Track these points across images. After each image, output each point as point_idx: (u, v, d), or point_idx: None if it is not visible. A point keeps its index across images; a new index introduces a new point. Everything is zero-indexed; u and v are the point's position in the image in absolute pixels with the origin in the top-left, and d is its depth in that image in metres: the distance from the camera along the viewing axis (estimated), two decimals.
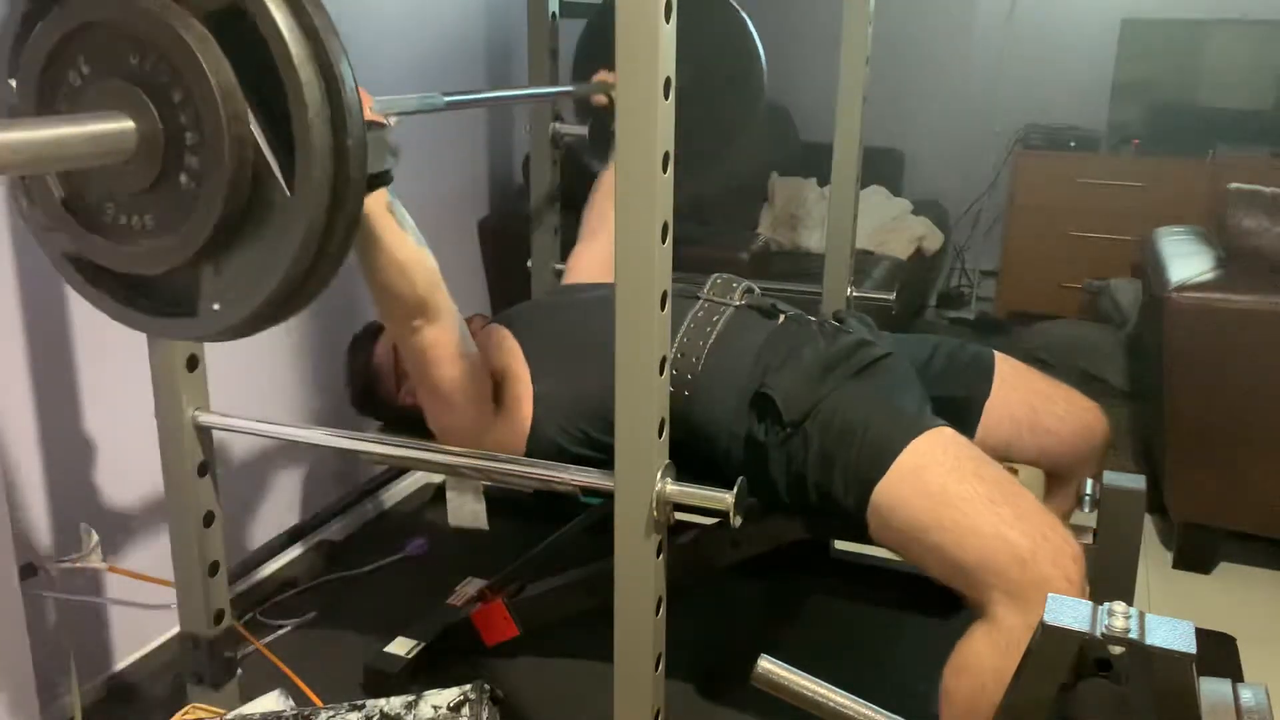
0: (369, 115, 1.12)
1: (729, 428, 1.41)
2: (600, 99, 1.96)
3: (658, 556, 1.07)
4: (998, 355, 1.61)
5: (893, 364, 1.49)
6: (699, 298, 1.52)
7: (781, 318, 1.53)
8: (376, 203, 1.20)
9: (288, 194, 0.86)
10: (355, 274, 1.27)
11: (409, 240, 1.27)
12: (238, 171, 0.85)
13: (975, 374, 1.58)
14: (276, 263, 0.88)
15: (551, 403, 1.46)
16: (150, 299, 0.97)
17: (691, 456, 1.39)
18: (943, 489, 1.25)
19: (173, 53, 0.84)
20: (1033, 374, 1.62)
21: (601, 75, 1.97)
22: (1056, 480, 1.60)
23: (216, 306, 0.92)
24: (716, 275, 1.57)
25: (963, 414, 1.52)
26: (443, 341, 1.35)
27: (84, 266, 0.98)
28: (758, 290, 1.56)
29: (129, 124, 0.86)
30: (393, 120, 1.28)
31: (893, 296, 2.05)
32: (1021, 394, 1.57)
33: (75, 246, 0.97)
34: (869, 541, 1.38)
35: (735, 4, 2.00)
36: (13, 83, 0.95)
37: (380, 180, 1.04)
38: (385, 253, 1.25)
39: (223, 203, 0.86)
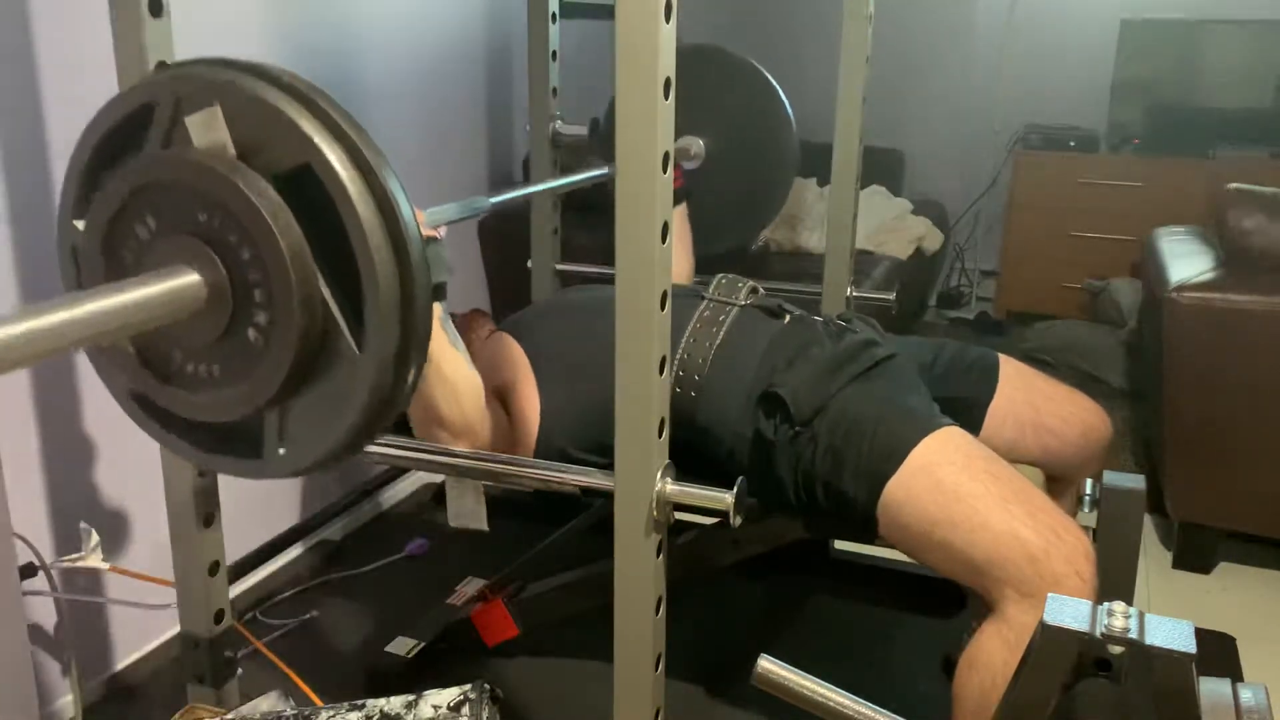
0: (424, 231, 1.12)
1: (736, 427, 1.41)
2: None
3: (658, 556, 1.07)
4: (1001, 357, 1.61)
5: (899, 364, 1.49)
6: (704, 297, 1.52)
7: (787, 317, 1.53)
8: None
9: (356, 352, 0.88)
10: None
11: (461, 360, 1.27)
12: (307, 329, 0.86)
13: (979, 375, 1.58)
14: (343, 415, 0.89)
15: (558, 415, 1.46)
16: (215, 439, 0.98)
17: (697, 457, 1.39)
18: (955, 485, 1.25)
19: (243, 214, 0.84)
20: (1036, 375, 1.62)
21: None
22: (1057, 481, 1.60)
23: (282, 451, 0.93)
24: (721, 275, 1.57)
25: (967, 415, 1.52)
26: (462, 444, 1.35)
27: (147, 404, 0.99)
28: (762, 290, 1.57)
29: (197, 279, 0.87)
30: (442, 231, 1.28)
31: (892, 296, 2.05)
32: (1025, 395, 1.57)
33: (145, 391, 0.98)
34: (874, 541, 1.38)
35: (772, 80, 2.05)
36: (78, 224, 0.96)
37: (436, 295, 1.06)
38: (435, 369, 1.25)
39: (291, 359, 0.87)
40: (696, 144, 2.02)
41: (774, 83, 2.02)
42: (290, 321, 0.85)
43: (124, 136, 0.93)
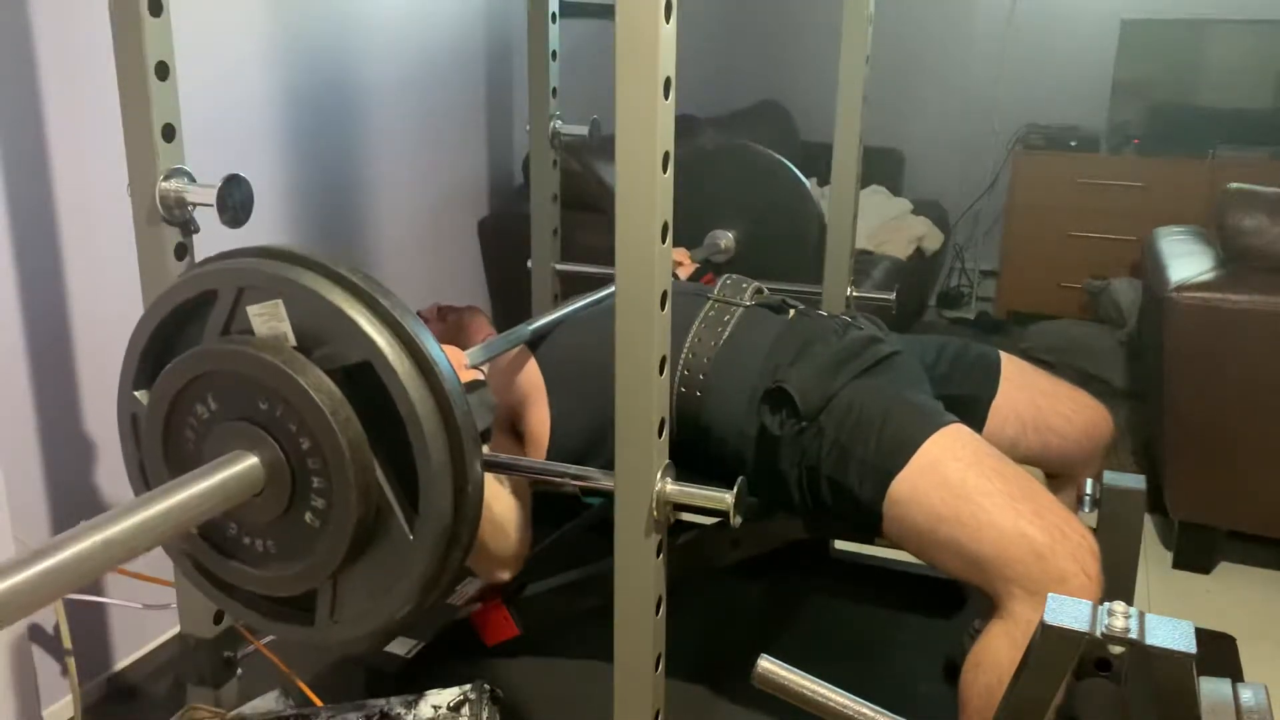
0: (465, 376, 1.12)
1: (741, 425, 1.41)
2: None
3: (658, 556, 1.07)
4: (1003, 355, 1.61)
5: (904, 361, 1.49)
6: (709, 298, 1.52)
7: (791, 312, 1.53)
8: None
9: (409, 536, 0.90)
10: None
11: (505, 495, 1.27)
12: (364, 515, 0.89)
13: (981, 373, 1.58)
14: (395, 592, 0.92)
15: (568, 428, 1.45)
16: (271, 603, 1.01)
17: (701, 456, 1.39)
18: (962, 483, 1.25)
19: (301, 407, 0.87)
20: (1038, 374, 1.62)
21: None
22: (1058, 480, 1.60)
23: (334, 622, 0.96)
24: (727, 276, 1.57)
25: (969, 413, 1.52)
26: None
27: (205, 570, 1.02)
28: (766, 291, 1.56)
29: (256, 463, 0.89)
30: (485, 370, 1.29)
31: (893, 296, 2.05)
32: (1027, 393, 1.57)
33: (198, 555, 1.00)
34: (873, 539, 1.38)
35: (797, 171, 2.10)
36: (139, 394, 0.99)
37: (483, 439, 1.06)
38: (487, 510, 1.24)
39: (348, 542, 0.89)
40: (727, 237, 2.05)
41: (800, 176, 2.09)
42: (348, 507, 0.88)
43: (186, 317, 0.97)
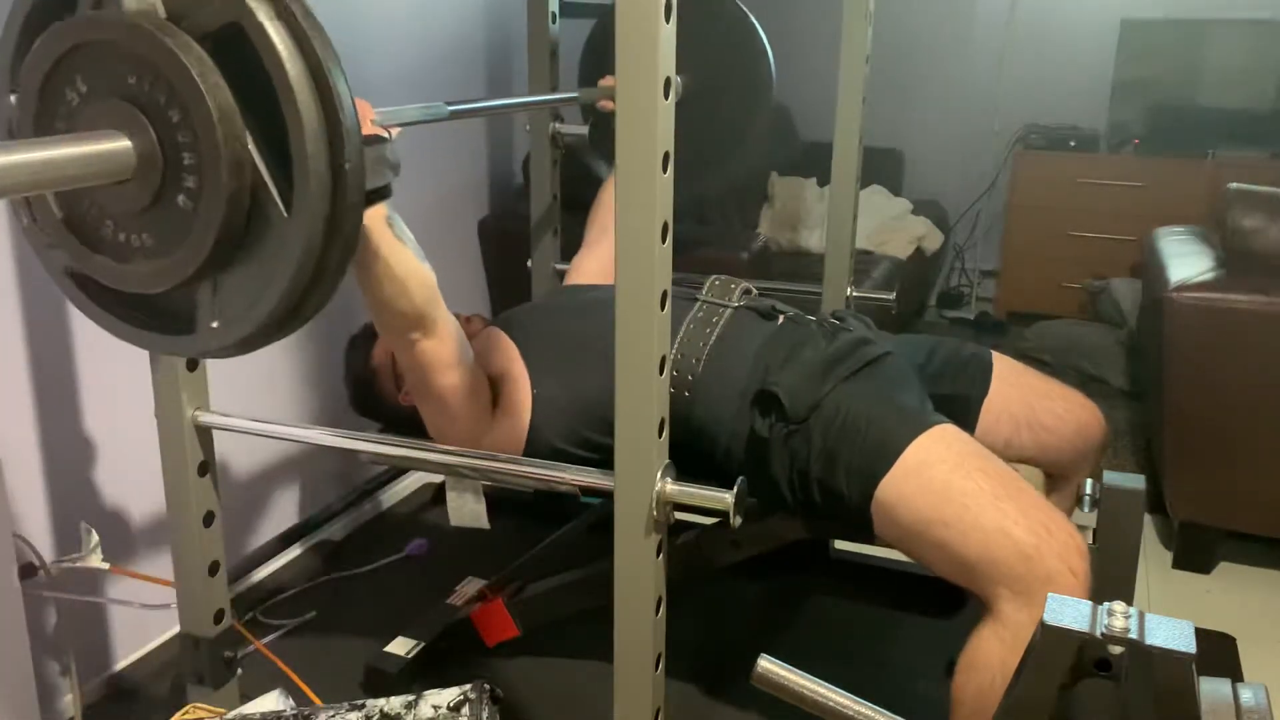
0: (369, 129, 1.11)
1: (731, 427, 1.41)
2: (606, 104, 1.95)
3: (658, 556, 1.07)
4: (994, 354, 1.62)
5: (893, 362, 1.49)
6: (697, 299, 1.52)
7: (780, 318, 1.54)
8: (375, 217, 1.20)
9: (285, 215, 0.86)
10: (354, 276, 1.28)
11: (408, 254, 1.26)
12: (236, 193, 0.85)
13: (974, 372, 1.58)
14: (274, 282, 0.88)
15: (550, 406, 1.46)
16: (149, 315, 0.98)
17: (692, 457, 1.39)
18: (946, 485, 1.25)
19: (171, 75, 0.83)
20: (1030, 372, 1.63)
21: (607, 80, 1.96)
22: (1055, 479, 1.61)
23: (215, 324, 0.92)
24: (714, 277, 1.57)
25: (962, 412, 1.53)
26: (441, 352, 1.35)
27: (84, 283, 0.98)
28: (755, 291, 1.57)
29: (126, 144, 0.86)
30: (395, 132, 1.28)
31: (893, 296, 2.05)
32: (1020, 392, 1.57)
33: (76, 264, 0.97)
34: (871, 540, 1.38)
35: (744, 6, 1.99)
36: (12, 98, 0.95)
37: (379, 195, 1.04)
38: (383, 267, 1.24)
39: (220, 224, 0.85)
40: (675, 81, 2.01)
41: (751, 17, 1.99)
42: (218, 183, 0.84)
43: (55, 6, 0.92)
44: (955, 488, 1.25)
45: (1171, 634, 0.73)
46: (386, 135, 1.20)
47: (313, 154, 0.84)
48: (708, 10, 1.96)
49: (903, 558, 1.36)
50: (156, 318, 0.97)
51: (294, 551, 2.15)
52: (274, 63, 0.83)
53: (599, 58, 2.10)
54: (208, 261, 0.88)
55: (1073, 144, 3.79)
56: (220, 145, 0.83)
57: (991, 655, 1.20)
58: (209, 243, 0.87)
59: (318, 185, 0.85)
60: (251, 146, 0.85)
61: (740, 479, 1.06)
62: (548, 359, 1.49)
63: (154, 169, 0.87)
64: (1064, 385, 1.62)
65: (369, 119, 1.22)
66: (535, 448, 1.46)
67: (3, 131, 0.97)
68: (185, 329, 0.95)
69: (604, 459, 1.09)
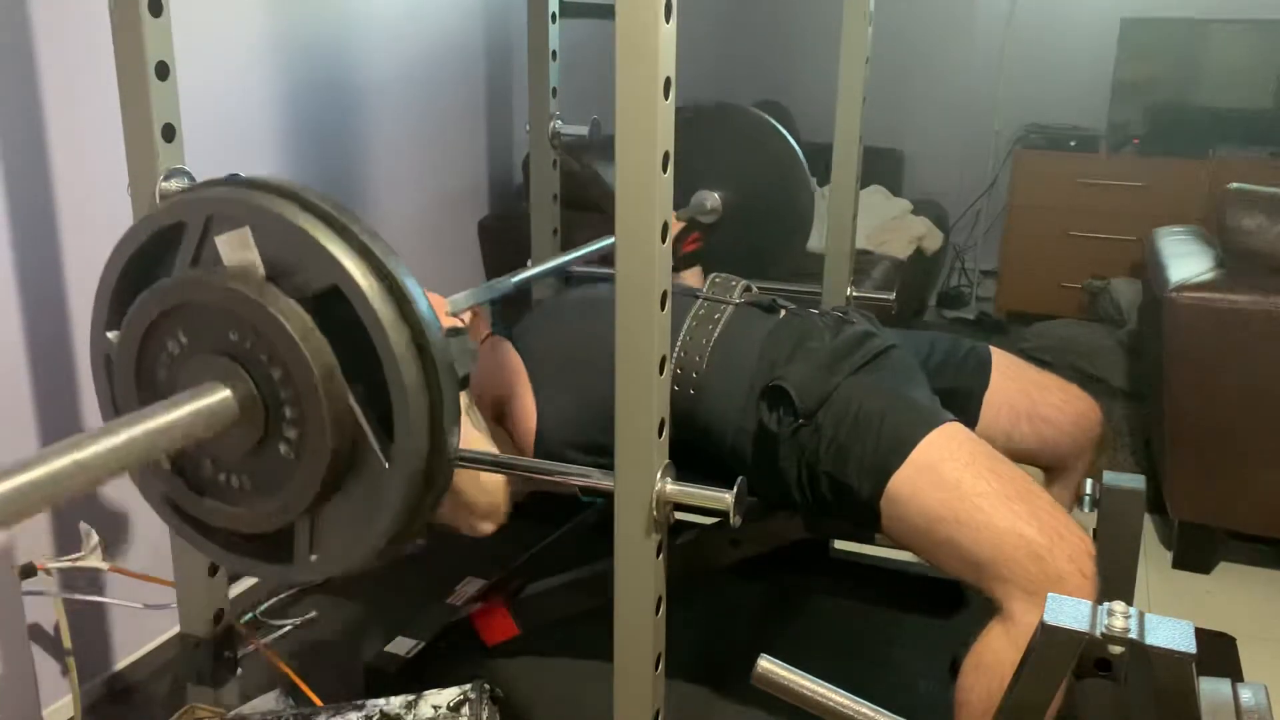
0: (446, 322, 1.11)
1: (737, 423, 1.41)
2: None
3: (658, 556, 1.07)
4: (993, 349, 1.62)
5: (900, 355, 1.49)
6: (698, 296, 1.52)
7: (782, 312, 1.53)
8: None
9: (385, 466, 0.88)
10: None
11: (487, 443, 1.27)
12: (338, 445, 0.87)
13: (973, 366, 1.59)
14: (373, 528, 0.91)
15: (555, 416, 1.45)
16: (247, 540, 1.00)
17: (699, 455, 1.39)
18: (959, 482, 1.25)
19: (273, 336, 0.85)
20: (1027, 366, 1.63)
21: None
22: (1054, 475, 1.61)
23: (314, 558, 0.95)
24: (714, 274, 1.57)
25: (963, 405, 1.53)
26: (487, 528, 1.34)
27: (182, 511, 1.01)
28: (755, 288, 1.57)
29: (228, 394, 0.88)
30: (466, 318, 1.29)
31: (893, 296, 2.05)
32: (1019, 384, 1.58)
33: (185, 506, 0.99)
34: (875, 539, 1.38)
35: (790, 139, 2.04)
36: (111, 335, 0.97)
37: (461, 386, 1.06)
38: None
39: (323, 474, 0.88)
40: (713, 198, 2.04)
41: (792, 141, 2.04)
42: (322, 438, 0.86)
43: (154, 252, 0.95)
44: (967, 486, 1.24)
45: (1171, 634, 0.73)
46: (462, 324, 1.21)
47: (414, 417, 0.86)
48: (754, 140, 2.03)
49: (903, 557, 1.36)
50: (255, 544, 0.99)
51: None
52: (377, 331, 0.85)
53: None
54: (309, 507, 0.91)
55: (1073, 144, 3.79)
56: (323, 404, 0.85)
57: (1000, 654, 1.19)
58: (311, 491, 0.89)
59: (417, 442, 0.87)
60: (352, 400, 0.87)
61: (740, 479, 1.06)
62: (550, 367, 1.49)
63: (256, 417, 0.89)
64: (1059, 378, 1.62)
65: (444, 311, 1.23)
66: (542, 457, 1.45)
67: (99, 363, 1.00)
68: (284, 558, 0.97)
69: (610, 462, 1.09)
